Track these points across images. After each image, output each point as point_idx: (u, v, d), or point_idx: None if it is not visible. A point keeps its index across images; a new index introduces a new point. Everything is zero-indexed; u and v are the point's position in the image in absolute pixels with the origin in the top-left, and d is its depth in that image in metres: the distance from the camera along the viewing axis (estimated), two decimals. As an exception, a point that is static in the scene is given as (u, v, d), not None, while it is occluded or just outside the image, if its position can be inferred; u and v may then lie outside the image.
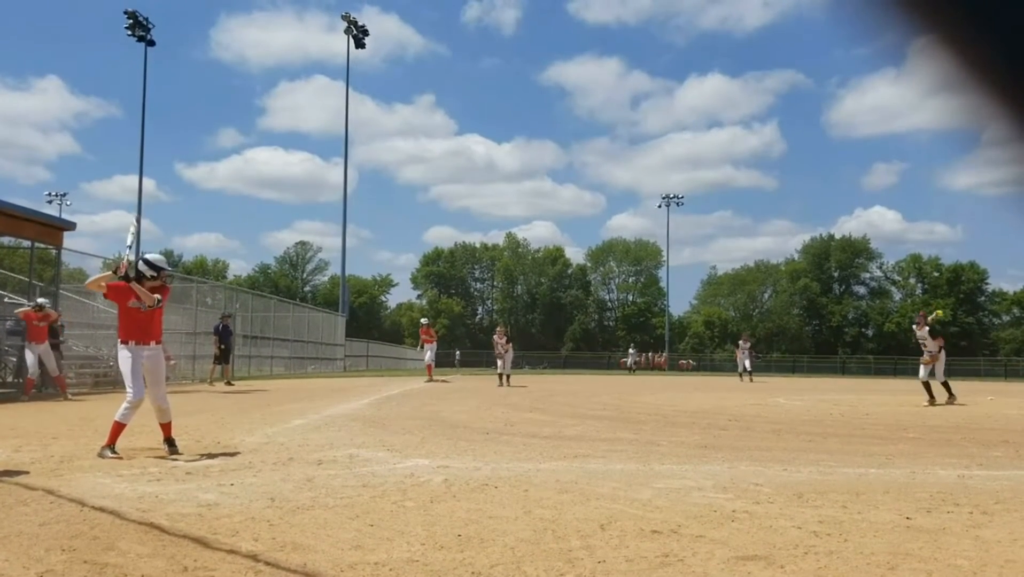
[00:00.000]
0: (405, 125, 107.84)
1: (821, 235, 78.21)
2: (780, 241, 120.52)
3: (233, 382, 19.60)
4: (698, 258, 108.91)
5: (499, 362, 20.72)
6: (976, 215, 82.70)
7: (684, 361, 59.46)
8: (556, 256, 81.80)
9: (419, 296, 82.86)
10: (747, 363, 27.97)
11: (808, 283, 73.64)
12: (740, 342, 29.90)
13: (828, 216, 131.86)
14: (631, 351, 47.20)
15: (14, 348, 14.71)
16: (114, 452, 6.00)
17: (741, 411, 12.24)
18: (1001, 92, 0.70)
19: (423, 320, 24.53)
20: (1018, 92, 0.69)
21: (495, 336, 21.20)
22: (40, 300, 13.53)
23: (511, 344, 21.28)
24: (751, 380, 27.37)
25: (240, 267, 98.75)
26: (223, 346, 19.26)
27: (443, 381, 21.61)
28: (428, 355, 21.79)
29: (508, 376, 20.61)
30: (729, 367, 56.09)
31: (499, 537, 3.49)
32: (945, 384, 13.80)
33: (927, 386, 13.66)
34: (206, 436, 7.44)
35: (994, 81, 0.70)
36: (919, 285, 74.83)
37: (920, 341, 13.92)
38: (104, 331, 18.98)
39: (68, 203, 62.53)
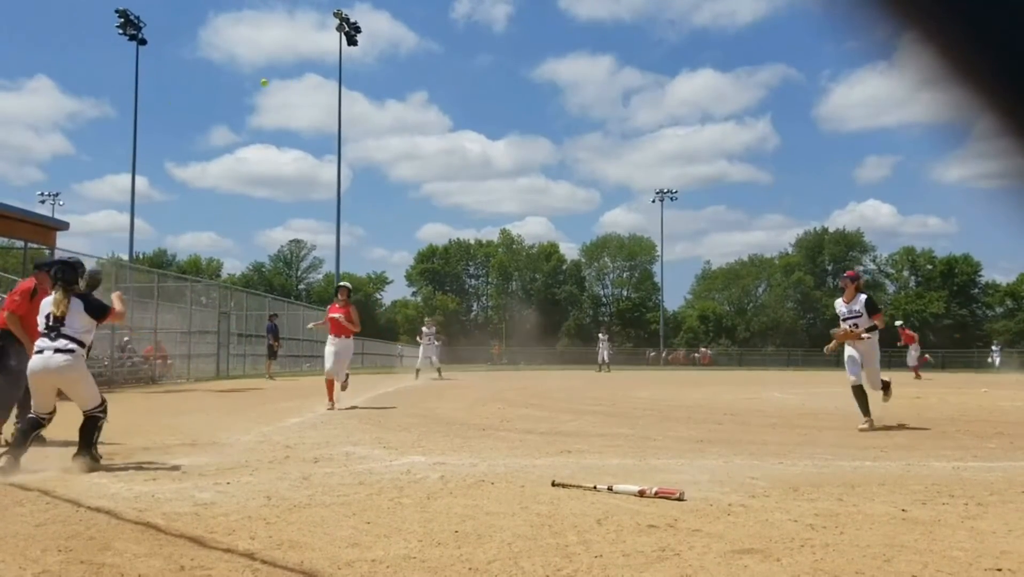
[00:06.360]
0: (398, 122, 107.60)
1: (815, 229, 78.31)
2: (774, 235, 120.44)
3: (273, 377, 21.82)
4: (692, 253, 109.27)
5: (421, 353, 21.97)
6: (969, 208, 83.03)
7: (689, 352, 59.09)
8: (550, 252, 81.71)
9: (414, 293, 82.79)
10: (605, 355, 30.67)
11: (802, 276, 73.71)
12: (600, 335, 32.35)
13: (822, 210, 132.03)
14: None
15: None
16: None
17: (736, 405, 12.28)
18: (987, 87, 0.70)
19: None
20: (1004, 87, 0.70)
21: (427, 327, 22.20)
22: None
23: (434, 335, 22.13)
24: (608, 371, 29.86)
25: (234, 266, 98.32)
26: (275, 343, 22.49)
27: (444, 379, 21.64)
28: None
29: (439, 369, 21.69)
30: (723, 361, 56.24)
31: (496, 533, 3.50)
32: (885, 385, 8.64)
33: (861, 396, 8.20)
34: (202, 435, 7.43)
35: (980, 76, 0.70)
36: (912, 278, 75.05)
37: (848, 317, 8.67)
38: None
39: (61, 203, 62.60)
